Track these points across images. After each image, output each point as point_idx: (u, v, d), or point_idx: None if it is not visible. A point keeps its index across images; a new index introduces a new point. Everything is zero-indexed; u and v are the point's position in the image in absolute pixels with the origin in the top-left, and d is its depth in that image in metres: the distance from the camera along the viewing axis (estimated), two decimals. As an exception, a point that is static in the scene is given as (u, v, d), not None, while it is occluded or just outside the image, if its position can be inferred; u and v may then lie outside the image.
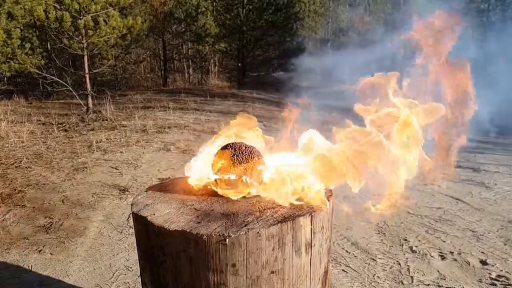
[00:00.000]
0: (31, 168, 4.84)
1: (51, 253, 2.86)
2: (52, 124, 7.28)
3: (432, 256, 2.76)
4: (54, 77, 8.63)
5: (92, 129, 7.00)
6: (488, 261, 2.69)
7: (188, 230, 1.09)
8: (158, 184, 1.50)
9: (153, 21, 13.55)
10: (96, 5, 7.88)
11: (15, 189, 4.11)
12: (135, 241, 1.35)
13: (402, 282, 2.46)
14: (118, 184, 4.27)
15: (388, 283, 2.45)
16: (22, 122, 7.51)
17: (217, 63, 18.04)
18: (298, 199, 1.25)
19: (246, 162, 1.30)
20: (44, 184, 4.28)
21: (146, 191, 1.41)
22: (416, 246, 2.91)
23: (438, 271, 2.58)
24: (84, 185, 4.24)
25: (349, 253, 2.83)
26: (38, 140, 6.20)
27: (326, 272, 1.33)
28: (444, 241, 2.98)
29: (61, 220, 3.40)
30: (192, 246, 1.10)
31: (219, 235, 1.07)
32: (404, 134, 1.34)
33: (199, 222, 1.14)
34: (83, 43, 8.18)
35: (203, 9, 14.73)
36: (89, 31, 8.02)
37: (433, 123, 1.37)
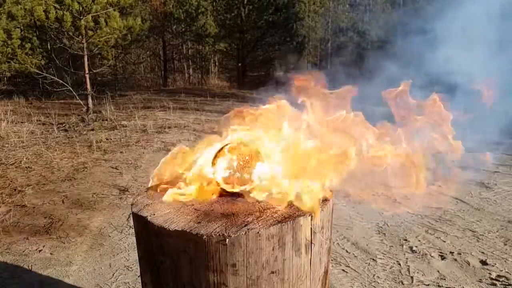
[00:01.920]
0: (31, 168, 4.84)
1: (51, 253, 2.86)
2: (52, 124, 7.28)
3: (432, 256, 2.76)
4: (54, 77, 8.63)
5: (92, 129, 7.01)
6: (488, 261, 2.69)
7: (188, 230, 1.09)
8: (158, 184, 1.50)
9: (153, 21, 13.54)
10: (97, 5, 7.88)
11: (15, 189, 4.11)
12: (135, 241, 1.35)
13: (402, 282, 2.46)
14: (118, 184, 4.27)
15: (388, 283, 2.45)
16: (22, 122, 7.51)
17: (217, 63, 18.03)
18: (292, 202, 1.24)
19: (244, 162, 1.31)
20: (44, 184, 4.28)
21: (146, 191, 1.41)
22: (416, 246, 2.91)
23: (438, 271, 2.58)
24: (84, 185, 4.24)
25: (349, 253, 2.83)
26: (38, 140, 6.20)
27: (326, 272, 1.33)
28: (444, 241, 2.98)
29: (61, 220, 3.40)
30: (192, 246, 1.10)
31: (219, 235, 1.07)
32: None
33: (199, 222, 1.14)
34: (83, 43, 8.18)
35: (203, 9, 14.72)
36: (89, 31, 8.02)
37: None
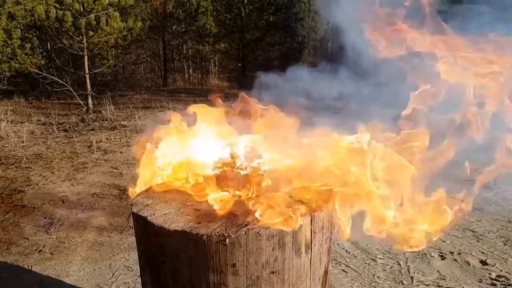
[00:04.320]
0: (31, 168, 4.84)
1: (51, 253, 2.86)
2: (52, 124, 7.28)
3: (432, 256, 2.76)
4: (54, 77, 8.63)
5: (92, 129, 7.00)
6: (488, 261, 2.69)
7: (188, 230, 1.09)
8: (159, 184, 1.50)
9: (153, 21, 13.54)
10: (97, 6, 7.88)
11: (15, 189, 4.11)
12: (135, 241, 1.35)
13: (402, 282, 2.46)
14: (118, 184, 4.27)
15: (388, 283, 2.45)
16: (22, 122, 7.51)
17: (217, 63, 18.01)
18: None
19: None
20: (44, 184, 4.28)
21: (146, 191, 1.41)
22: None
23: (438, 271, 2.58)
24: (84, 185, 4.23)
25: (349, 253, 2.83)
26: (38, 140, 6.20)
27: (326, 272, 1.33)
28: (444, 241, 2.98)
29: (61, 220, 3.40)
30: (192, 246, 1.10)
31: (219, 235, 1.07)
32: None
33: (199, 222, 1.14)
34: (83, 43, 8.18)
35: (203, 9, 14.72)
36: (89, 31, 8.02)
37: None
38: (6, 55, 8.22)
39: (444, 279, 2.49)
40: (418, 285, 2.44)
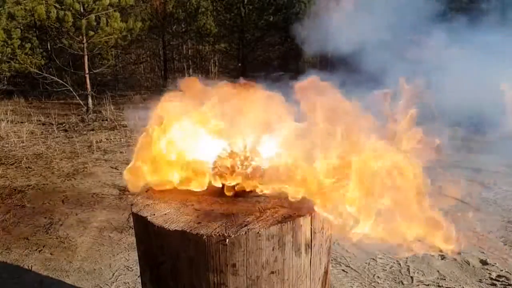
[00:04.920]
0: (31, 168, 4.84)
1: (51, 253, 2.86)
2: (52, 124, 7.28)
3: (432, 256, 2.76)
4: (54, 77, 8.63)
5: (92, 129, 7.01)
6: (488, 261, 2.69)
7: (188, 230, 1.09)
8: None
9: (153, 21, 13.55)
10: (98, 6, 7.89)
11: (15, 189, 4.11)
12: (135, 241, 1.35)
13: (402, 282, 2.46)
14: (118, 184, 4.27)
15: (388, 283, 2.45)
16: (22, 122, 7.51)
17: (217, 63, 18.01)
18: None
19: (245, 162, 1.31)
20: (44, 184, 4.28)
21: (146, 191, 1.41)
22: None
23: (438, 271, 2.58)
24: (84, 185, 4.24)
25: (349, 253, 2.83)
26: (38, 140, 6.20)
27: (326, 272, 1.33)
28: (444, 241, 2.98)
29: (61, 220, 3.40)
30: (192, 246, 1.10)
31: (219, 235, 1.07)
32: None
33: (199, 222, 1.14)
34: (83, 43, 8.19)
35: (203, 9, 14.72)
36: (89, 31, 8.03)
37: None
38: (6, 55, 8.23)
39: (444, 279, 2.49)
40: (418, 285, 2.44)
